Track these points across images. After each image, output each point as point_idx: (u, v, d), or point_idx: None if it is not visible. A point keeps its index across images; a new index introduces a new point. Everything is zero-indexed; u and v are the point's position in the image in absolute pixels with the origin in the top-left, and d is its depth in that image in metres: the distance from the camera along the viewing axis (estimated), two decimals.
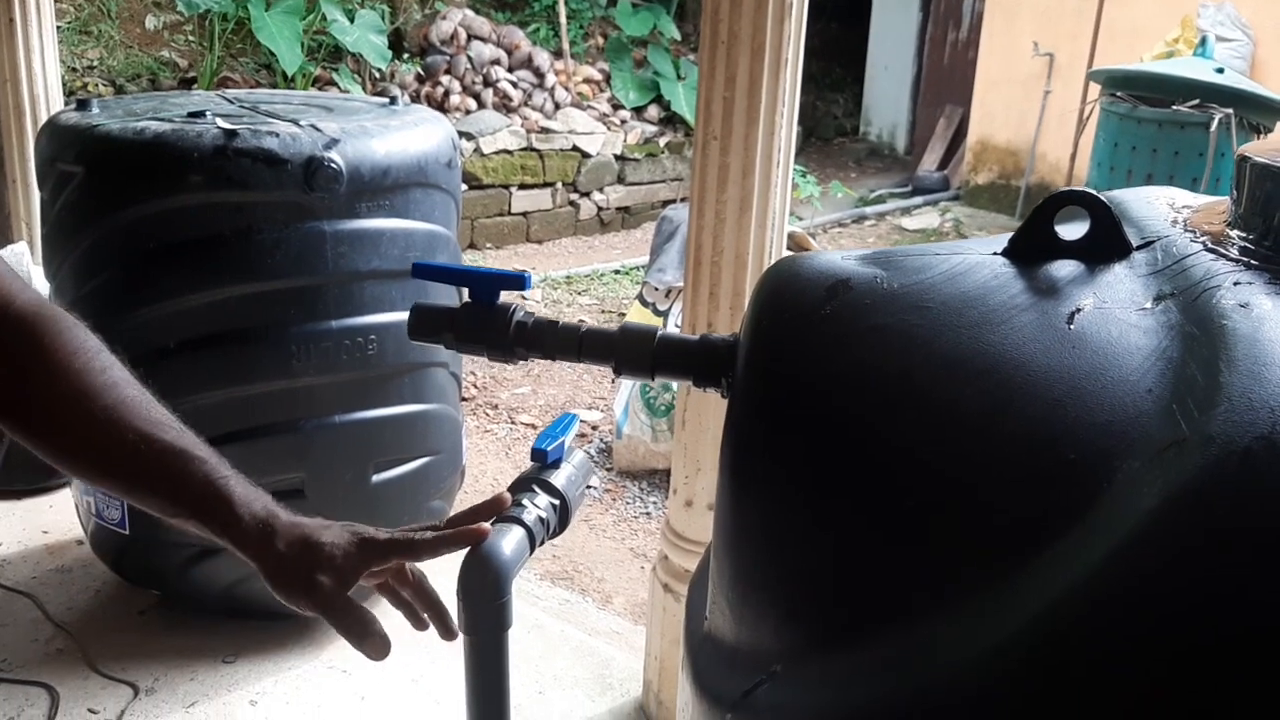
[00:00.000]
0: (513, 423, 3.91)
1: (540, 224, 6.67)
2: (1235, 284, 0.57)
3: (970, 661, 0.48)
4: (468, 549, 0.94)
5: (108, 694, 2.05)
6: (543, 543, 1.00)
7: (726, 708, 0.62)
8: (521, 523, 0.97)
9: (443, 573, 1.02)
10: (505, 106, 6.72)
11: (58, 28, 3.41)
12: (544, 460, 1.05)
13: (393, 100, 2.32)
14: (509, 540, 0.95)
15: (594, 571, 2.93)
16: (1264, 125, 4.58)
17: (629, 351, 0.81)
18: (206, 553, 2.04)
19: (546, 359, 0.84)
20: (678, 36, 7.91)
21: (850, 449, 0.59)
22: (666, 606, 1.96)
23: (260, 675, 2.13)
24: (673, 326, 3.21)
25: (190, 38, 6.39)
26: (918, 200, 8.00)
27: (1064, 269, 0.64)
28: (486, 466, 3.56)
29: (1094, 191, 0.66)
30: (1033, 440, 0.52)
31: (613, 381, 4.01)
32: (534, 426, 3.88)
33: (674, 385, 2.97)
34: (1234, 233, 0.64)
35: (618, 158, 7.00)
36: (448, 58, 6.84)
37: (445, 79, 6.72)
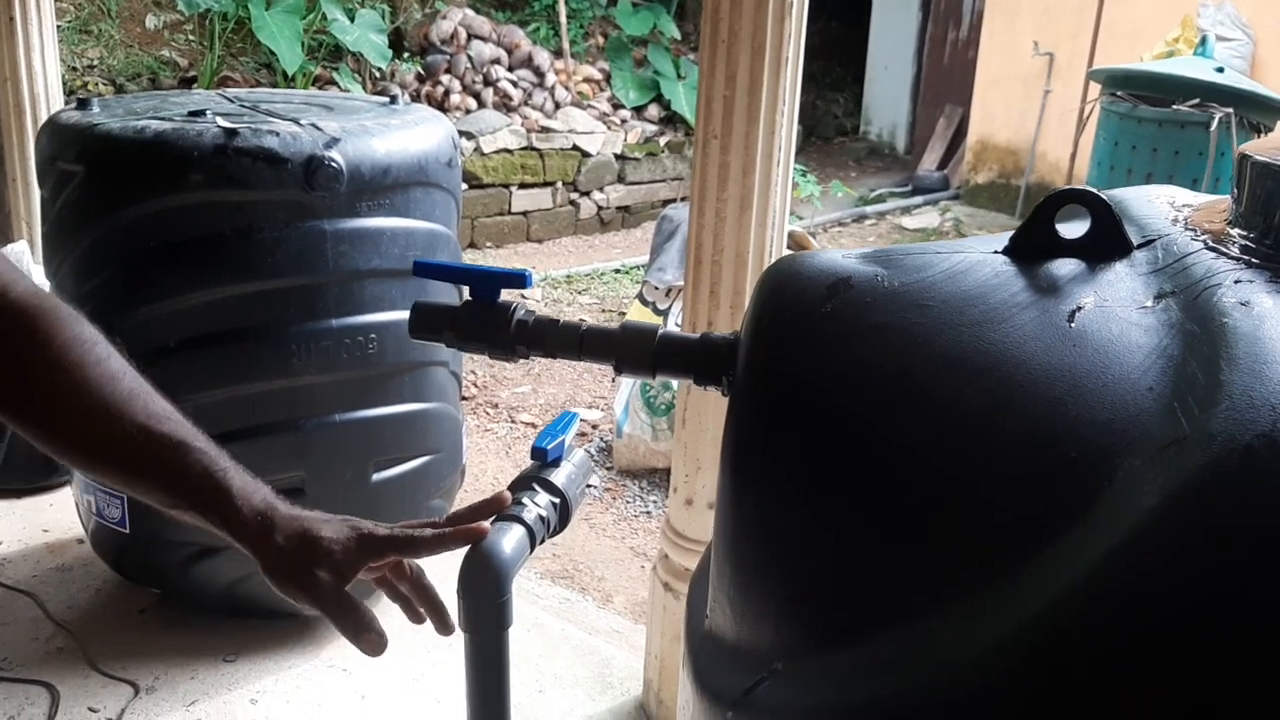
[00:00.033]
0: (513, 422, 3.91)
1: (540, 223, 6.67)
2: (1236, 282, 0.57)
3: (971, 659, 0.48)
4: (468, 547, 0.94)
5: (108, 693, 2.05)
6: (543, 541, 1.00)
7: (727, 706, 0.62)
8: (522, 521, 0.98)
9: (443, 572, 1.02)
10: (505, 106, 6.72)
11: (58, 27, 3.40)
12: (544, 458, 1.05)
13: (393, 99, 2.31)
14: (509, 539, 0.95)
15: (594, 570, 2.93)
16: (1264, 124, 4.58)
17: (630, 350, 0.81)
18: (207, 551, 2.04)
19: (547, 357, 0.84)
20: (678, 36, 7.91)
21: (851, 447, 0.59)
22: (667, 605, 1.96)
23: (261, 674, 2.13)
24: (673, 325, 3.21)
25: (190, 37, 6.39)
26: (918, 200, 8.00)
27: (1065, 267, 0.64)
28: (487, 465, 3.56)
29: (1095, 190, 0.66)
30: (1033, 438, 0.52)
31: (613, 380, 4.01)
32: (534, 425, 3.88)
33: (674, 384, 2.97)
34: (1234, 231, 0.64)
35: (618, 157, 7.00)
36: (448, 57, 6.84)
37: (445, 78, 6.72)
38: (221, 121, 1.92)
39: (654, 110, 7.45)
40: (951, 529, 0.53)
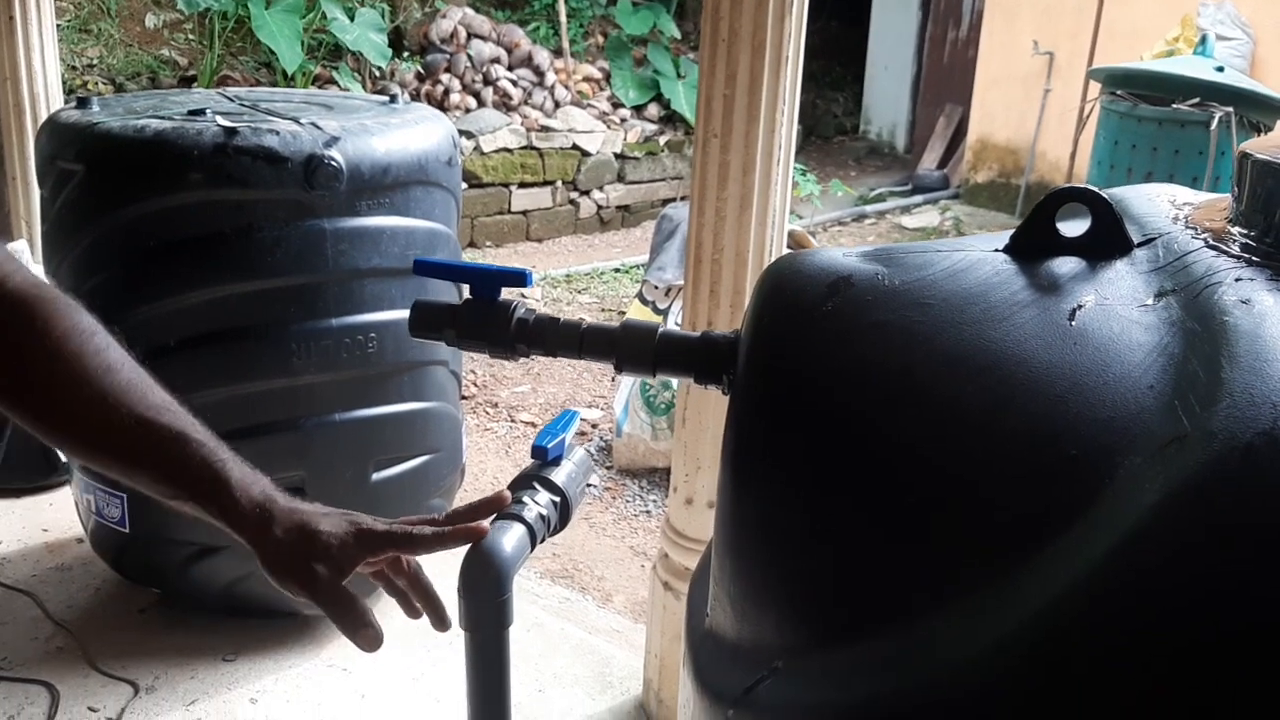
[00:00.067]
0: (513, 421, 3.91)
1: (540, 222, 6.67)
2: (1236, 280, 0.57)
3: (972, 658, 0.48)
4: (469, 545, 0.94)
5: (108, 692, 2.05)
6: (543, 540, 1.00)
7: (728, 704, 0.62)
8: (523, 520, 0.98)
9: (444, 569, 1.02)
10: (505, 105, 6.72)
11: (57, 26, 3.40)
12: (545, 457, 1.05)
13: (393, 98, 2.31)
14: (510, 537, 0.95)
15: (594, 570, 2.93)
16: (1264, 124, 4.58)
17: (630, 348, 0.81)
18: (206, 551, 2.04)
19: (548, 355, 0.84)
20: (677, 35, 7.91)
21: (852, 445, 0.59)
22: (667, 604, 1.96)
23: (260, 673, 2.13)
24: (673, 324, 3.21)
25: (190, 36, 6.39)
26: (917, 199, 7.99)
27: (1065, 266, 0.64)
28: (486, 465, 3.56)
29: (1095, 188, 0.66)
30: (1034, 436, 0.52)
31: (612, 379, 4.01)
32: (534, 425, 3.88)
33: (674, 383, 2.97)
34: (1235, 229, 0.64)
35: (618, 156, 7.00)
36: (448, 56, 6.84)
37: (445, 77, 6.72)
38: (221, 120, 1.91)
39: (654, 109, 7.45)
40: (952, 527, 0.53)
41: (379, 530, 0.90)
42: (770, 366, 0.66)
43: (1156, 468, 0.47)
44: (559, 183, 6.71)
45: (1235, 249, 0.61)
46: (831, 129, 9.79)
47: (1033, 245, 0.66)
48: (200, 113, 1.98)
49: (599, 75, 7.49)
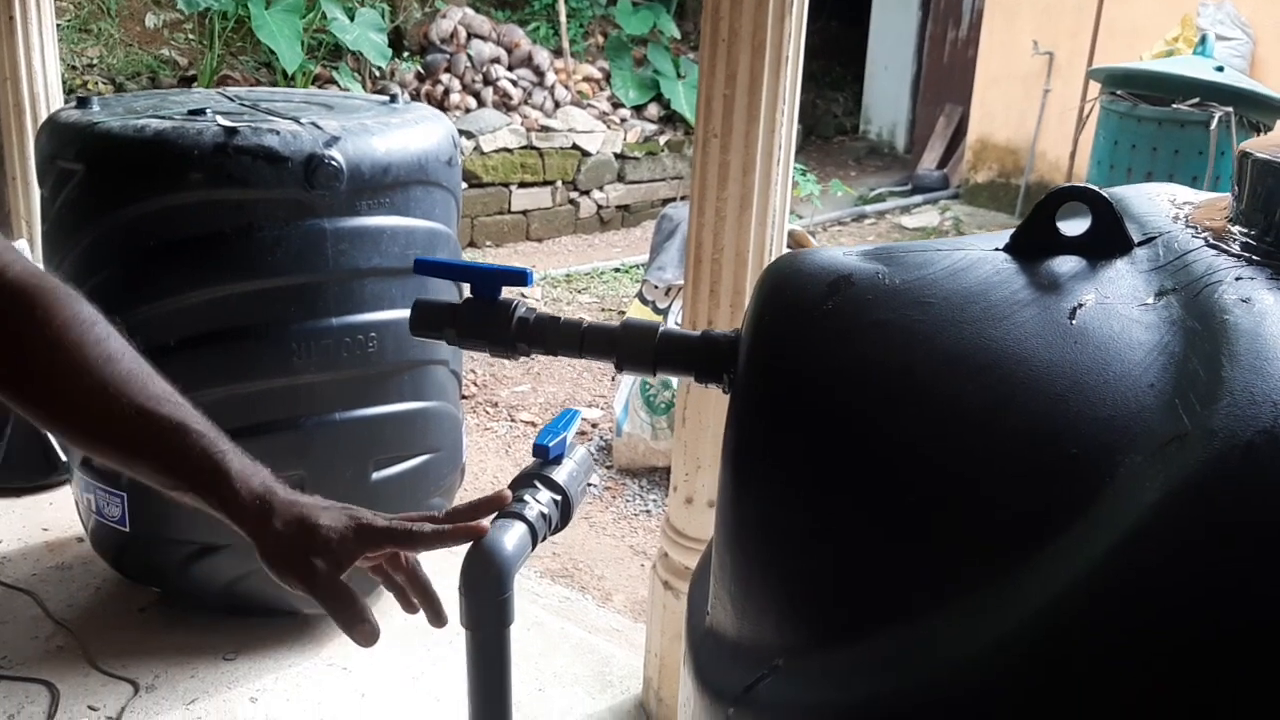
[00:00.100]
0: (513, 420, 3.91)
1: (540, 222, 6.67)
2: (1237, 279, 0.57)
3: (972, 656, 0.48)
4: (470, 543, 0.94)
5: (108, 691, 2.05)
6: (545, 538, 1.00)
7: (729, 703, 0.62)
8: (524, 518, 0.98)
9: (444, 567, 1.02)
10: (505, 105, 6.72)
11: (57, 25, 3.40)
12: (546, 456, 1.05)
13: (393, 98, 2.31)
14: (511, 536, 0.95)
15: (594, 569, 2.93)
16: (1264, 123, 4.58)
17: (631, 347, 0.81)
18: (207, 550, 2.04)
19: (548, 354, 0.84)
20: (677, 35, 7.91)
21: (852, 444, 0.59)
22: (666, 604, 1.96)
23: (260, 672, 2.13)
24: (673, 324, 3.21)
25: (190, 36, 6.39)
26: (917, 199, 7.99)
27: (1066, 265, 0.64)
28: (486, 464, 3.56)
29: (1096, 187, 0.67)
30: (1035, 435, 0.52)
31: (612, 379, 4.01)
32: (534, 424, 3.88)
33: (674, 382, 2.97)
34: (1235, 228, 0.64)
35: (618, 156, 7.00)
36: (448, 56, 6.84)
37: (445, 77, 6.72)
38: (221, 120, 1.91)
39: (654, 109, 7.45)
40: (953, 526, 0.53)
41: (379, 526, 0.90)
42: (771, 365, 0.66)
43: (1157, 466, 0.47)
44: (559, 183, 6.71)
45: (1235, 248, 0.61)
46: (831, 129, 9.79)
47: (1033, 244, 0.66)
48: (200, 112, 1.98)
49: (599, 75, 7.49)
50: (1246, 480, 0.45)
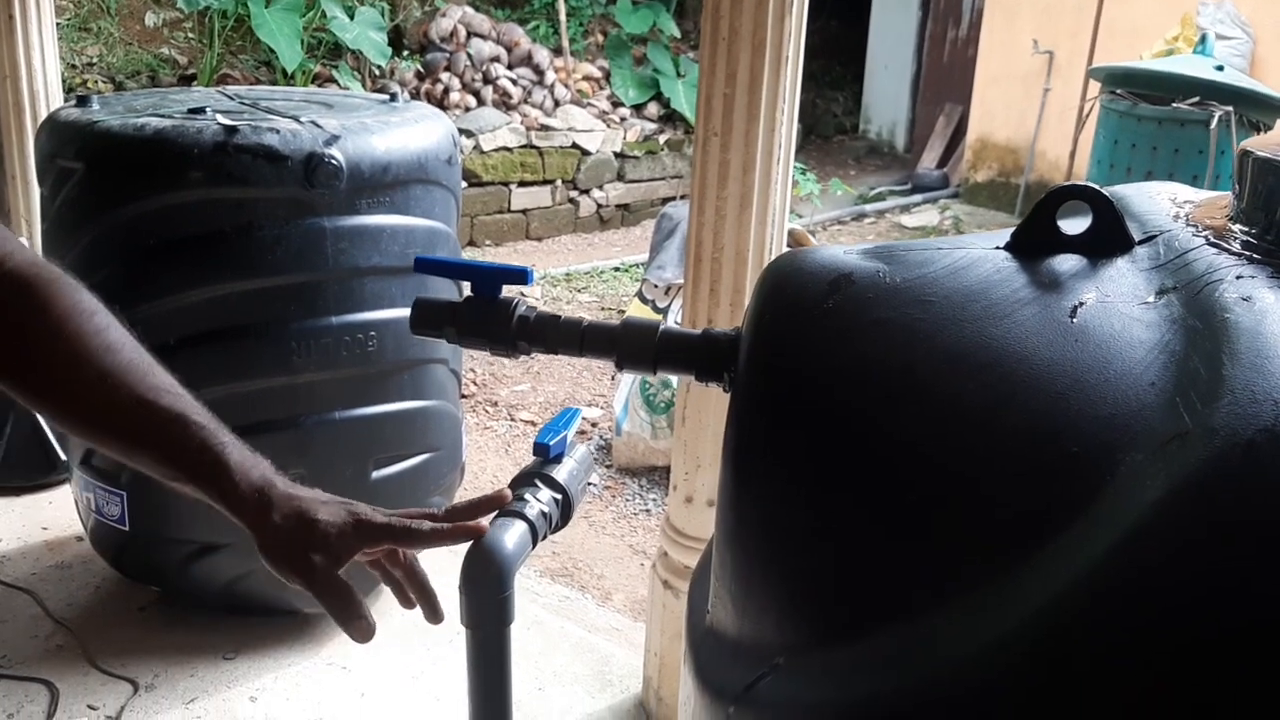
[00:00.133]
0: (512, 420, 3.91)
1: (540, 221, 6.67)
2: (1237, 278, 0.57)
3: (973, 655, 0.48)
4: (469, 542, 0.94)
5: (107, 690, 2.05)
6: (545, 537, 1.00)
7: (729, 701, 0.62)
8: (524, 517, 0.98)
9: (445, 565, 1.02)
10: (505, 104, 6.72)
11: (57, 24, 3.40)
12: (546, 454, 1.05)
13: (393, 97, 2.31)
14: (512, 534, 0.95)
15: (593, 568, 2.93)
16: (1264, 123, 4.58)
17: (631, 345, 0.81)
18: (206, 549, 2.04)
19: (549, 353, 0.84)
20: (677, 34, 7.91)
21: (853, 443, 0.59)
22: (666, 603, 1.96)
23: (260, 672, 2.13)
24: (673, 323, 3.20)
25: (190, 35, 6.39)
26: (917, 198, 8.00)
27: (1066, 263, 0.64)
28: (486, 463, 3.56)
29: (1096, 186, 0.66)
30: (1035, 434, 0.52)
31: (612, 378, 4.01)
32: (534, 423, 3.88)
33: (674, 381, 2.97)
34: (1236, 227, 0.64)
35: (617, 155, 7.00)
36: (447, 55, 6.84)
37: (445, 76, 6.72)
38: (221, 119, 1.91)
39: (653, 108, 7.45)
40: (953, 525, 0.53)
41: (377, 522, 0.90)
42: (771, 364, 0.66)
43: (1158, 464, 0.47)
44: (559, 181, 6.71)
45: (1236, 246, 0.61)
46: (831, 128, 9.79)
47: (1034, 243, 0.66)
48: (200, 111, 1.98)
49: (599, 74, 7.49)
50: (1248, 479, 0.45)
